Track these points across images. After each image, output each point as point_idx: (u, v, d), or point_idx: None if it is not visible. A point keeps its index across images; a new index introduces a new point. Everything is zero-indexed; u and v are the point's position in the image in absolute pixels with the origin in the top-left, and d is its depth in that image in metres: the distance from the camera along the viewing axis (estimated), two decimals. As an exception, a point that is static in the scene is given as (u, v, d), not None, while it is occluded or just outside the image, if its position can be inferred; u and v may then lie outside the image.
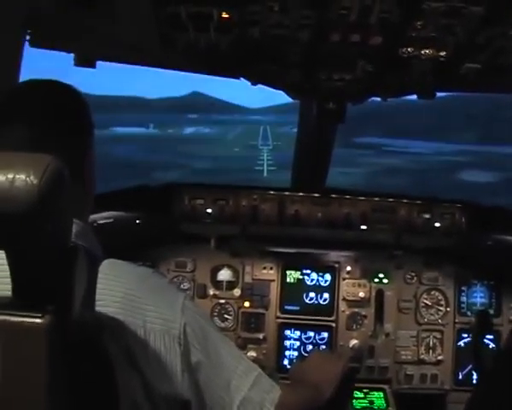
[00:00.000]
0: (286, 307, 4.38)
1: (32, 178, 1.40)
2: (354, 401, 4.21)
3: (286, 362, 4.38)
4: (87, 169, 2.07)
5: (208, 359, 1.90)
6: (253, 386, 1.97)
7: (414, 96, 3.46)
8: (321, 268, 4.41)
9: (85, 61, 2.99)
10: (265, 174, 36.83)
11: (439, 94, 3.38)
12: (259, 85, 3.32)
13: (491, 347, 4.30)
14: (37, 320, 1.45)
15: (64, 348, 1.51)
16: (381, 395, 4.31)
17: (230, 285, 4.37)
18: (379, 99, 3.53)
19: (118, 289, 1.80)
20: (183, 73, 3.43)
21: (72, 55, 2.97)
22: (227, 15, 2.43)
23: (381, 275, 4.40)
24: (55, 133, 1.95)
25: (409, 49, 2.73)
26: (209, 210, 4.04)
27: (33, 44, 2.77)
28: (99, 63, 3.08)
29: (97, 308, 1.73)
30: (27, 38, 2.70)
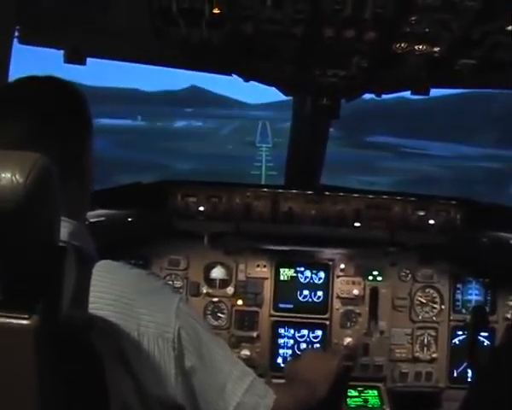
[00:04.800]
0: (279, 305, 4.35)
1: (17, 176, 1.39)
2: (348, 399, 4.19)
3: (280, 360, 4.35)
4: (85, 166, 2.06)
5: (202, 363, 1.89)
6: (247, 391, 1.96)
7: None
8: (315, 266, 4.39)
9: (75, 57, 2.95)
10: (263, 181, 29.93)
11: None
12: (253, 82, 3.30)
13: (485, 344, 4.29)
14: (25, 321, 1.43)
15: (52, 348, 1.50)
16: (376, 393, 4.29)
17: (224, 283, 4.34)
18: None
19: (111, 291, 1.78)
20: (180, 67, 3.36)
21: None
22: (218, 11, 2.41)
23: (375, 272, 4.38)
24: (53, 130, 1.94)
25: (403, 45, 2.72)
26: (201, 208, 4.00)
27: (23, 41, 2.73)
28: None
29: (91, 311, 1.72)
30: (16, 34, 2.66)
